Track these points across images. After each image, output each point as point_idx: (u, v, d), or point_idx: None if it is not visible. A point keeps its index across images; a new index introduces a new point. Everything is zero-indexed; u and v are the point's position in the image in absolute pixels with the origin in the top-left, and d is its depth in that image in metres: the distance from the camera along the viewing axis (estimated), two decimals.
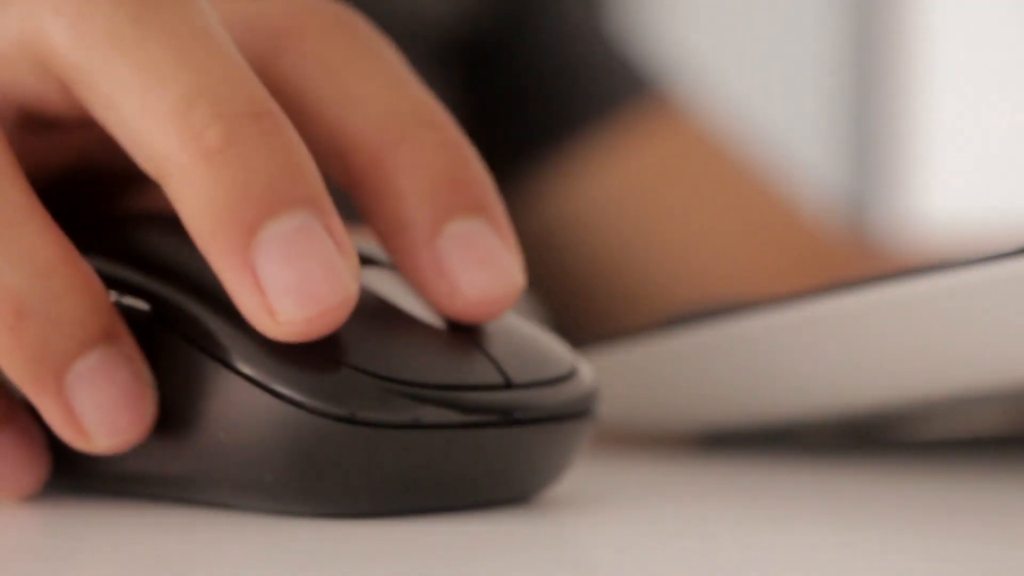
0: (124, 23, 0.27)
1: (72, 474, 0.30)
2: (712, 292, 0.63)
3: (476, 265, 0.28)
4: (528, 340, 0.29)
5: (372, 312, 0.28)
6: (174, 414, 0.28)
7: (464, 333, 0.28)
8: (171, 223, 0.28)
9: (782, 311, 0.34)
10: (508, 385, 0.28)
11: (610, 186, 0.64)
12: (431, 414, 0.27)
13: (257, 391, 0.27)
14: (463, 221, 0.28)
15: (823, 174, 1.72)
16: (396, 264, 0.29)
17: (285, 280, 0.26)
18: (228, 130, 0.26)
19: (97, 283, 0.27)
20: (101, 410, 0.27)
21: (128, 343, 0.28)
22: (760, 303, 0.35)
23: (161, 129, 0.26)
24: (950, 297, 0.32)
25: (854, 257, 0.67)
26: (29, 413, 0.29)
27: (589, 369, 0.29)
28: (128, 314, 0.28)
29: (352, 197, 0.29)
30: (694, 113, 0.66)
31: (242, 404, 0.27)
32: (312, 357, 0.27)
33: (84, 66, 0.27)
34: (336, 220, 0.26)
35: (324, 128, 0.29)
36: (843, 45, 1.89)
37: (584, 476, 0.30)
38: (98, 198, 0.32)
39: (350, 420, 0.26)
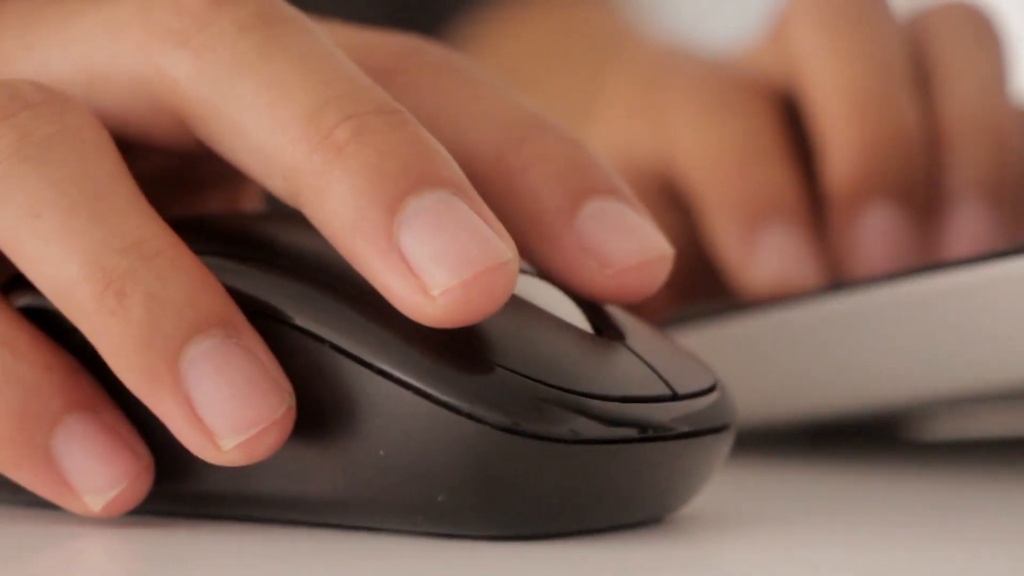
0: (249, 50, 0.26)
1: (187, 494, 0.27)
2: None
3: (621, 234, 0.27)
4: (671, 349, 0.28)
5: (532, 322, 0.26)
6: (318, 426, 0.26)
7: (617, 341, 0.27)
8: (297, 221, 0.26)
9: (783, 311, 0.34)
10: (674, 396, 0.26)
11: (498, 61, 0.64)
12: (606, 428, 0.25)
13: (426, 403, 0.25)
14: (598, 201, 0.28)
15: None
16: (538, 258, 0.28)
17: (433, 249, 0.25)
18: (357, 125, 0.25)
19: (207, 271, 0.26)
20: (223, 398, 0.25)
21: (251, 337, 0.25)
22: (762, 302, 0.35)
23: (291, 139, 0.26)
24: (950, 297, 0.32)
25: None
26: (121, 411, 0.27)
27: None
28: (260, 319, 0.26)
29: None
30: None
31: (407, 416, 0.25)
32: (475, 364, 0.25)
33: (209, 96, 0.26)
34: (481, 202, 0.25)
35: (444, 144, 0.27)
36: None
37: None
38: None
39: (532, 435, 0.25)
